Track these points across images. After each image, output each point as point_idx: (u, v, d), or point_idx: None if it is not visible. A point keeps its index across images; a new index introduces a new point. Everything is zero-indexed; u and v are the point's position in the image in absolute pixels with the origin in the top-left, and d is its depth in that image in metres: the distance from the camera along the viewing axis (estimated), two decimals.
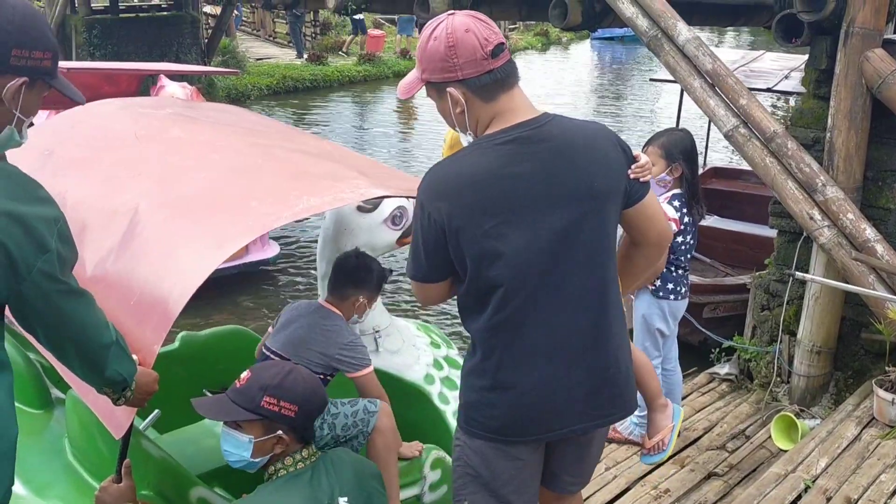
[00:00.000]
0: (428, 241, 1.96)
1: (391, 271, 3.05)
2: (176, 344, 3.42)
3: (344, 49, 20.84)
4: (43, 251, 1.62)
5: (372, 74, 19.30)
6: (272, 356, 2.73)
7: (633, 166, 2.02)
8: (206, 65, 14.91)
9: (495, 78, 1.89)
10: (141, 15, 14.61)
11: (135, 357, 2.03)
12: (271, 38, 22.12)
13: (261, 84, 16.72)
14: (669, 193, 3.64)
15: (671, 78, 7.57)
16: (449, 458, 3.05)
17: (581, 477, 2.33)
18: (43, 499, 2.38)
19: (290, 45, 20.63)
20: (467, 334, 2.11)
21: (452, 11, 1.93)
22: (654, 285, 3.68)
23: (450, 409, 3.37)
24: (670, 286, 3.69)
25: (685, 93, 4.55)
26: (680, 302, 3.75)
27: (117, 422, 2.02)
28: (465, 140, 2.01)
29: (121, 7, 14.47)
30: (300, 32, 20.28)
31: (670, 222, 3.45)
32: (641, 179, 2.03)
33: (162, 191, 2.34)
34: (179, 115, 2.94)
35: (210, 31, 15.74)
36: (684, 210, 3.62)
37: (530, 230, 1.90)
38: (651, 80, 8.82)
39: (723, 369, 5.05)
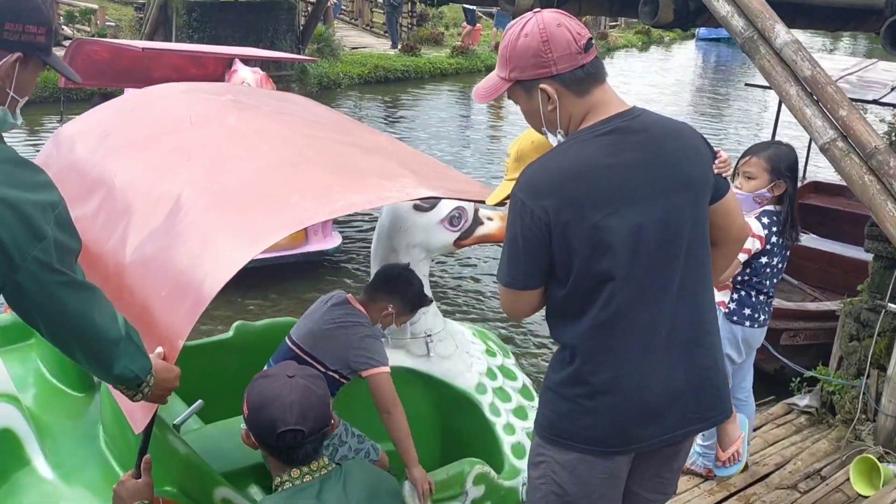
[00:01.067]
0: (530, 242, 1.86)
1: (432, 300, 2.95)
2: (231, 333, 3.40)
3: (462, 41, 20.76)
4: (38, 238, 1.54)
5: (464, 67, 19.22)
6: (293, 347, 2.67)
7: (716, 161, 2.04)
8: (300, 52, 15.15)
9: (588, 72, 1.86)
10: (240, 0, 14.93)
11: (160, 349, 1.97)
12: (368, 28, 22.31)
13: (352, 73, 16.86)
14: (759, 209, 3.34)
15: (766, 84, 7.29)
16: (494, 474, 2.90)
17: (664, 492, 2.20)
18: (69, 484, 2.35)
19: (387, 34, 20.75)
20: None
21: (538, 10, 1.89)
22: (729, 308, 3.40)
23: (500, 422, 3.21)
24: (747, 311, 3.40)
25: (782, 100, 4.22)
26: (757, 330, 3.45)
27: (137, 416, 1.97)
28: (554, 140, 1.95)
29: None
30: (397, 23, 20.37)
31: (753, 239, 3.23)
32: (724, 175, 2.07)
33: (207, 179, 2.28)
34: (238, 102, 2.88)
35: (307, 17, 15.96)
36: (773, 229, 3.30)
37: (636, 220, 1.86)
38: (747, 84, 8.40)
39: (802, 401, 4.70)
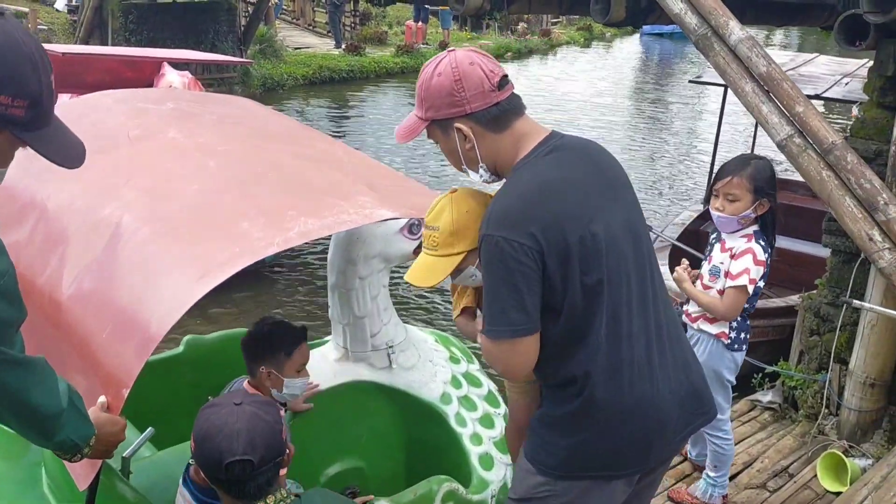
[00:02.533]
0: (527, 277, 1.75)
1: (304, 328, 2.68)
2: (181, 348, 3.24)
3: (405, 39, 20.54)
4: None
5: (409, 66, 19.05)
6: None
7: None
8: (242, 53, 14.80)
9: (504, 109, 1.85)
10: (178, 1, 14.52)
11: (102, 399, 1.81)
12: (310, 28, 21.99)
13: (296, 74, 16.57)
14: (751, 231, 3.16)
15: (714, 80, 7.27)
16: (463, 490, 2.79)
17: (653, 495, 2.20)
18: None
19: (330, 34, 20.47)
20: None
21: (452, 48, 1.89)
22: (730, 337, 3.26)
23: (467, 433, 3.10)
24: (744, 335, 3.30)
25: (737, 97, 4.18)
26: (745, 350, 3.37)
27: (79, 473, 1.80)
28: (477, 177, 1.92)
29: None
30: (339, 22, 20.11)
31: (757, 266, 3.10)
32: None
33: (148, 204, 2.13)
34: (180, 111, 2.70)
35: (247, 18, 15.62)
36: (769, 251, 3.18)
37: (609, 224, 1.85)
38: (691, 81, 8.15)
39: (765, 397, 4.70)
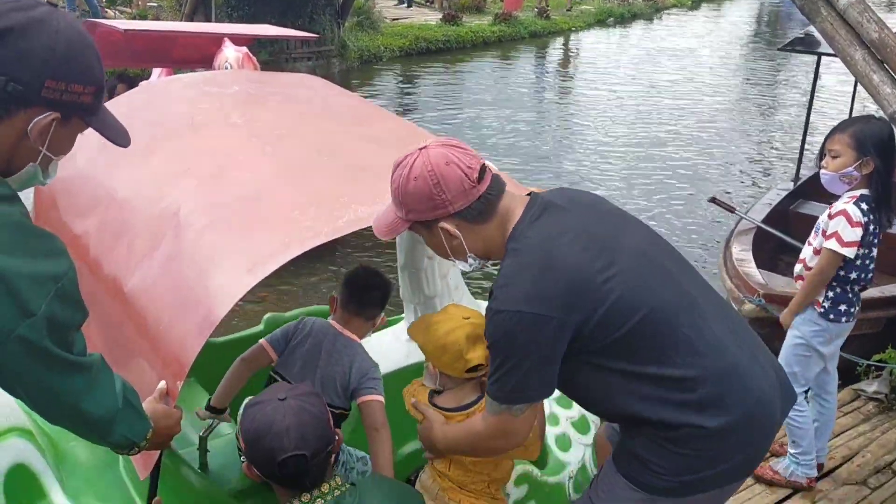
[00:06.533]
0: (553, 346, 1.68)
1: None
2: (261, 325, 3.27)
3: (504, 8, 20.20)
4: (25, 315, 1.34)
5: (507, 35, 18.77)
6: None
7: None
8: (339, 26, 14.90)
9: (487, 200, 1.76)
10: None
11: (161, 385, 1.82)
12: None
13: (394, 45, 16.59)
14: (857, 193, 3.05)
15: (806, 48, 6.62)
16: (537, 472, 2.72)
17: None
18: None
19: (428, 3, 20.34)
20: None
21: (424, 146, 1.76)
22: (824, 307, 3.15)
23: None
24: (843, 307, 3.14)
25: (846, 66, 3.85)
26: (850, 324, 3.20)
27: (139, 463, 1.83)
28: (467, 266, 1.84)
29: None
30: None
31: (853, 228, 2.98)
32: None
33: (205, 193, 2.13)
34: (245, 94, 2.69)
35: None
36: (871, 216, 3.03)
37: (632, 259, 1.75)
38: (780, 49, 7.22)
39: (870, 386, 4.39)
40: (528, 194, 1.85)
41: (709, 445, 1.74)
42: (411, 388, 2.24)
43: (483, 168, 1.76)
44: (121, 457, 2.44)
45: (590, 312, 1.66)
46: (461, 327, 2.01)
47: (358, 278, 2.55)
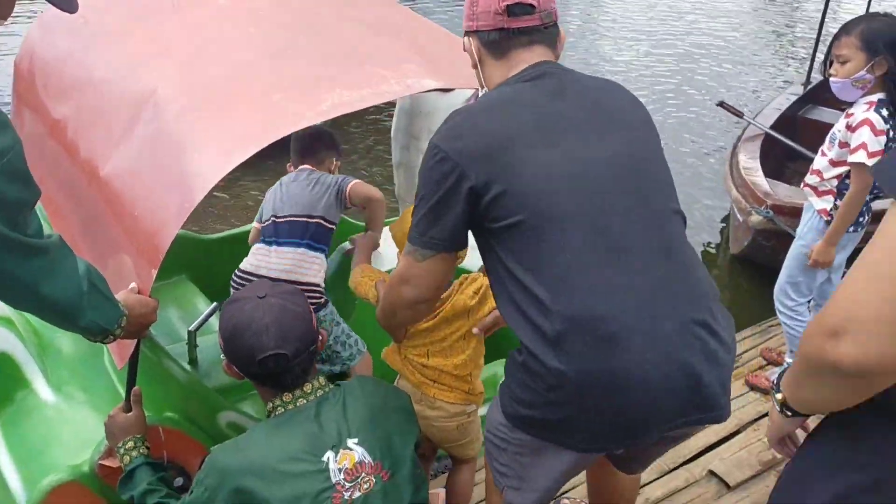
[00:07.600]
0: (452, 192, 1.61)
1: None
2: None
3: None
4: None
5: None
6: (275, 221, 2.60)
7: None
8: None
9: (509, 35, 1.73)
10: None
11: (133, 285, 1.78)
12: None
13: None
14: (874, 98, 2.84)
15: None
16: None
17: None
18: (71, 406, 2.22)
19: None
20: None
21: None
22: (832, 215, 3.00)
23: None
24: (858, 217, 3.00)
25: None
26: (858, 234, 3.07)
27: (116, 351, 1.79)
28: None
29: None
30: None
31: (878, 137, 2.78)
32: None
33: (185, 75, 2.03)
34: None
35: None
36: (892, 122, 2.83)
37: (566, 163, 1.63)
38: None
39: None
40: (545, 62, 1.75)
41: (552, 388, 1.55)
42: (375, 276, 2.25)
43: (525, 7, 1.71)
44: (105, 348, 2.42)
45: (489, 181, 1.58)
46: None
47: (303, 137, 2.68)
